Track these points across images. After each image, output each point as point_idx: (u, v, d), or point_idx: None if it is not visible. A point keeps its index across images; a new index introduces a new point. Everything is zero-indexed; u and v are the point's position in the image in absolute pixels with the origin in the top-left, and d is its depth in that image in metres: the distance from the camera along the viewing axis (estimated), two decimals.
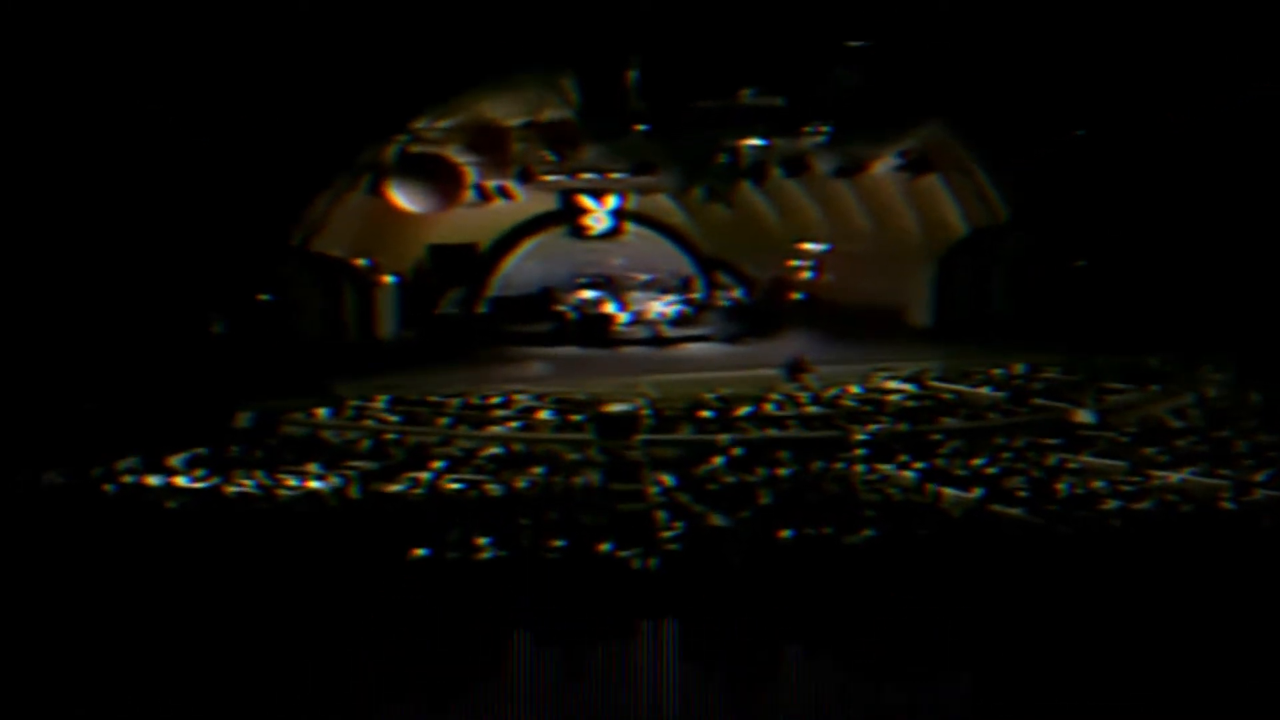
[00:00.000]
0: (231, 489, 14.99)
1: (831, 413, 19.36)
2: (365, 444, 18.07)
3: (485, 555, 11.77)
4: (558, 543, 12.33)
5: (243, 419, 18.76)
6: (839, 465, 16.35)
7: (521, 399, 20.46)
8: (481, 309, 28.56)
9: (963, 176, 25.66)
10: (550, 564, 11.69)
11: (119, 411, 17.26)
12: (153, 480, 15.34)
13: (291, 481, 15.42)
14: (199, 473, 15.84)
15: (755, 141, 24.79)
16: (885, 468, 16.14)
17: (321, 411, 19.49)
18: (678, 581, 10.76)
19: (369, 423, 19.10)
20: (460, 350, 25.17)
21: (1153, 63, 21.41)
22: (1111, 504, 14.00)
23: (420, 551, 11.44)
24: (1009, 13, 21.80)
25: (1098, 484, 14.95)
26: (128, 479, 15.32)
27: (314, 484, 15.35)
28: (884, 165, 25.75)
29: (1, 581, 9.77)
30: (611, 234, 29.10)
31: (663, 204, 29.99)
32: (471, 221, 27.51)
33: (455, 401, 20.17)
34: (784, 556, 11.92)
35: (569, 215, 28.85)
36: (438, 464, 16.63)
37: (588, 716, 9.27)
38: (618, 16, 21.50)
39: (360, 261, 26.34)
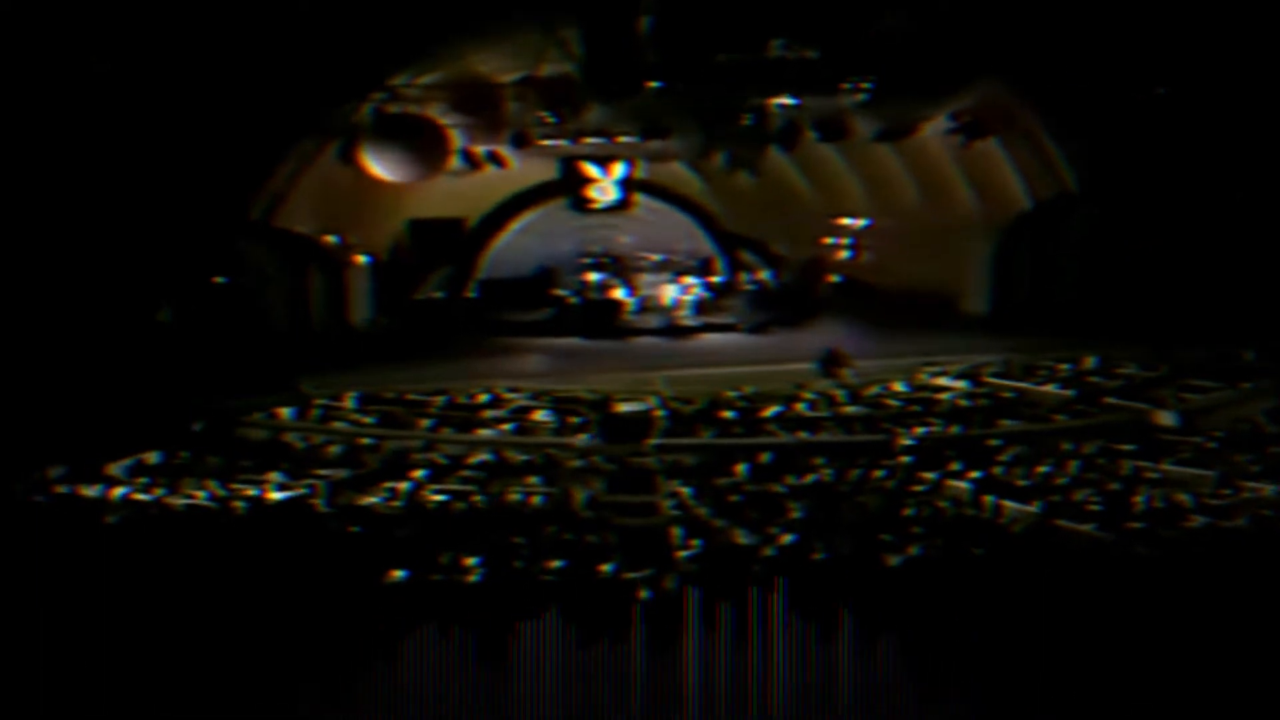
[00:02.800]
0: (180, 501, 14.99)
1: (873, 414, 19.32)
2: (334, 449, 18.09)
3: (473, 578, 11.76)
4: (556, 563, 12.33)
5: (193, 420, 18.78)
6: (880, 474, 16.32)
7: (515, 397, 20.47)
8: (469, 293, 28.60)
9: (1025, 141, 25.60)
10: (548, 587, 11.67)
11: (48, 411, 17.28)
12: (89, 491, 15.35)
13: (250, 492, 15.43)
14: (142, 482, 15.85)
15: (785, 100, 24.73)
16: (933, 477, 16.09)
17: (285, 412, 19.51)
18: (695, 607, 10.72)
19: (339, 425, 19.13)
20: (444, 341, 25.20)
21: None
22: (1197, 520, 13.94)
23: (398, 574, 11.44)
24: None
25: (1181, 497, 14.89)
26: (59, 490, 15.33)
27: (275, 495, 15.36)
28: (935, 128, 25.68)
29: None
30: (619, 207, 29.13)
31: (678, 173, 30.00)
32: (458, 193, 27.56)
33: (439, 400, 20.18)
34: (816, 579, 11.89)
35: (570, 185, 28.88)
36: (418, 473, 16.64)
37: None
38: None
39: (329, 239, 26.38)
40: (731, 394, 20.31)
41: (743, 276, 29.21)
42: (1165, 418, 18.94)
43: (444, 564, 12.01)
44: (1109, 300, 24.46)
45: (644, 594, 10.95)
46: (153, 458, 16.98)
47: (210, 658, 9.67)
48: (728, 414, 19.18)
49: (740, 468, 16.65)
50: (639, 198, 29.39)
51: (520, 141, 25.56)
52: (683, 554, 12.96)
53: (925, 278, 27.23)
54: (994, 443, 17.70)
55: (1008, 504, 14.76)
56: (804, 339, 24.81)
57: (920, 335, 24.16)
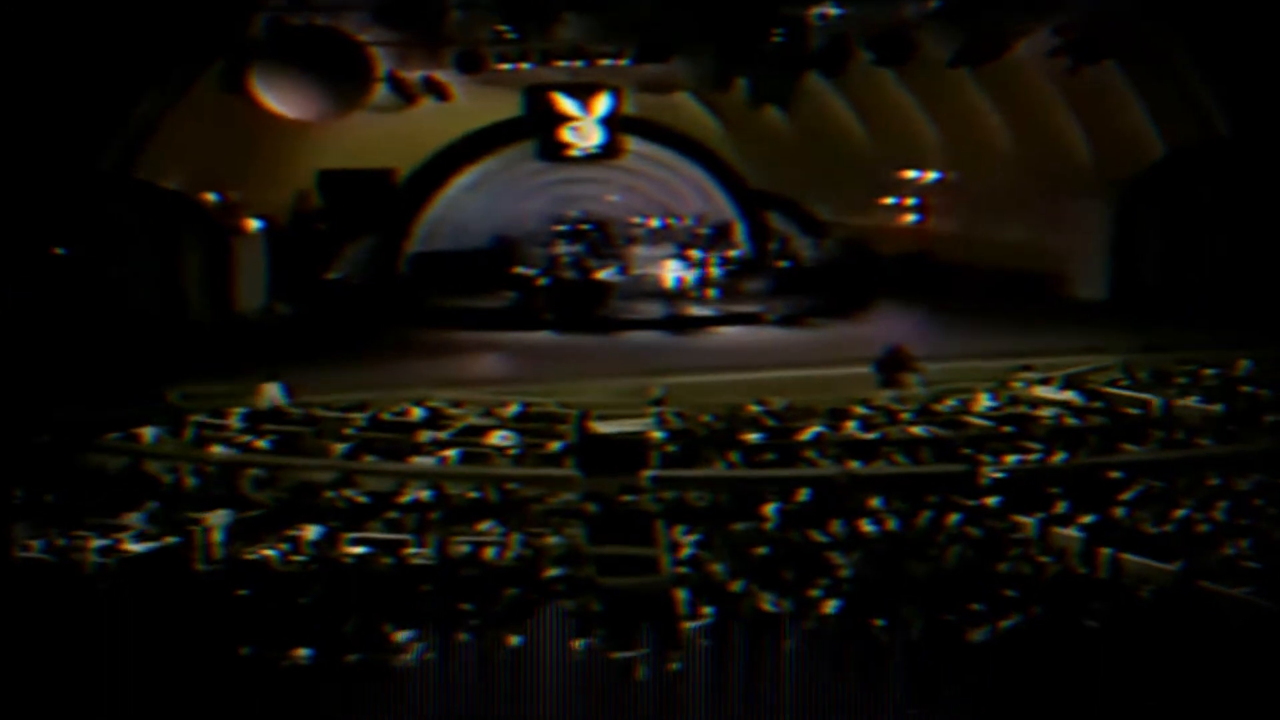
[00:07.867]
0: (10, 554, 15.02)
1: (950, 437, 19.37)
2: (204, 476, 18.14)
3: (405, 659, 11.78)
4: (515, 640, 12.36)
5: (26, 443, 18.80)
6: (959, 518, 16.37)
7: (462, 413, 20.50)
8: (400, 270, 28.65)
9: (1156, 68, 25.64)
10: (505, 667, 11.70)
11: None
12: None
13: (101, 543, 15.44)
14: None
15: (829, 9, 24.76)
16: (1033, 522, 16.14)
17: (147, 432, 19.51)
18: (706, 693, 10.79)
19: (220, 450, 19.14)
20: (365, 334, 25.24)
21: None
22: None
23: (302, 653, 11.46)
24: None
25: None
26: None
27: (135, 546, 15.38)
28: (1030, 47, 25.69)
29: None
30: (604, 155, 29.17)
31: (684, 107, 30.07)
32: (384, 134, 27.60)
33: (358, 418, 20.20)
34: (872, 659, 11.94)
35: (538, 125, 28.93)
36: (331, 518, 16.67)
37: None
38: None
39: (208, 196, 26.40)
40: (756, 409, 20.33)
41: (771, 250, 29.28)
42: None
43: (363, 640, 12.04)
44: (1267, 283, 24.52)
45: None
46: None
47: None
48: (751, 436, 19.20)
49: (768, 509, 16.68)
50: (630, 143, 29.43)
51: (469, 65, 25.54)
52: (690, 625, 12.99)
53: (1019, 251, 27.32)
54: (1114, 476, 17.74)
55: (1132, 559, 14.80)
56: (854, 334, 24.90)
57: (1012, 329, 24.23)
